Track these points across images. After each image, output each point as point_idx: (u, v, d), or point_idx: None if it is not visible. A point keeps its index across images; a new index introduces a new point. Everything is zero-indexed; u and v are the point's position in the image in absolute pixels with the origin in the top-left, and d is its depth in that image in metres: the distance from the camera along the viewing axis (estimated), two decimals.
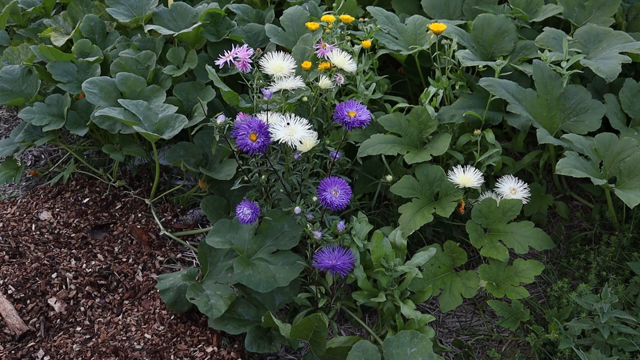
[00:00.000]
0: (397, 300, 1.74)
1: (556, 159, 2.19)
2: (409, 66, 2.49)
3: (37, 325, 1.98)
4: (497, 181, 2.03)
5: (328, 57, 2.03)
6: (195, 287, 1.93)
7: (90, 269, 2.20)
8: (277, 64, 1.93)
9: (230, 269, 1.99)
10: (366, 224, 1.82)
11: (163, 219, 2.45)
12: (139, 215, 2.47)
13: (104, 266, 2.22)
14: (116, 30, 2.79)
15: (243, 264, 1.87)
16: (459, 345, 1.94)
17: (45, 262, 2.20)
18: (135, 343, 1.92)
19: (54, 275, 2.15)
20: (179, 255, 2.31)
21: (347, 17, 2.23)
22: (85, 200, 2.57)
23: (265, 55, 1.96)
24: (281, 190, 1.95)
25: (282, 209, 1.99)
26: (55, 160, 2.87)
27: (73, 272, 2.17)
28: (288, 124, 1.77)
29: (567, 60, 2.08)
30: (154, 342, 1.93)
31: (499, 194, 2.01)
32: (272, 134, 1.75)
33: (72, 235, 2.37)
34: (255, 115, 1.87)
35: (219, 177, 2.25)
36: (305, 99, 2.01)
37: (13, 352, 1.88)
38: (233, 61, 1.96)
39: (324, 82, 1.99)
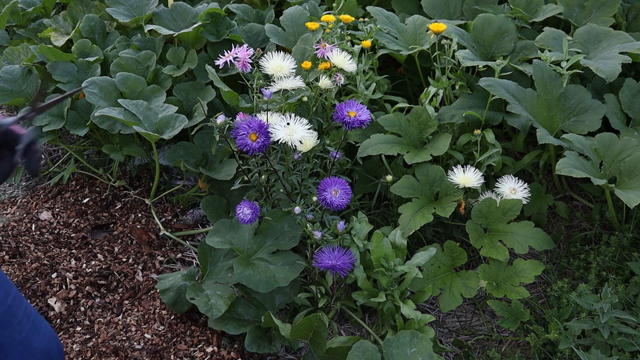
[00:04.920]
0: (397, 300, 1.74)
1: (556, 159, 2.19)
2: (409, 66, 2.49)
3: None
4: (497, 181, 2.03)
5: (328, 57, 2.03)
6: (195, 287, 1.93)
7: (90, 269, 2.20)
8: (277, 64, 1.93)
9: (230, 269, 1.99)
10: (366, 224, 1.82)
11: (163, 219, 2.45)
12: (139, 215, 2.47)
13: (104, 266, 2.22)
14: (116, 30, 2.79)
15: (243, 264, 1.87)
16: (459, 345, 1.94)
17: (45, 262, 2.20)
18: (135, 343, 1.92)
19: (54, 275, 2.15)
20: (179, 255, 2.31)
21: (347, 17, 2.23)
22: (85, 200, 2.57)
23: (265, 55, 1.96)
24: (281, 190, 1.95)
25: (282, 209, 1.99)
26: (55, 160, 2.87)
27: (73, 272, 2.17)
28: (288, 124, 1.77)
29: (567, 60, 2.08)
30: (154, 342, 1.93)
31: (499, 194, 2.01)
32: (272, 134, 1.75)
33: (72, 235, 2.37)
34: (255, 115, 1.87)
35: (219, 177, 2.25)
36: (305, 99, 2.01)
37: None
38: (233, 61, 1.96)
39: (324, 82, 1.99)
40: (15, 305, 1.11)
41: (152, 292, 2.13)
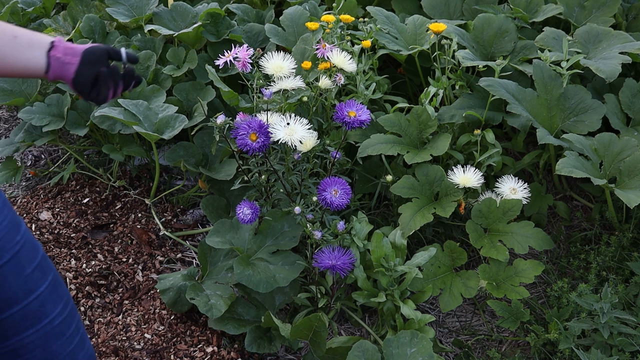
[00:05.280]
0: (397, 300, 1.74)
1: (556, 159, 2.19)
2: (409, 66, 2.49)
3: None
4: (497, 181, 2.03)
5: (328, 57, 2.03)
6: (195, 287, 1.93)
7: (90, 269, 2.20)
8: (277, 64, 1.93)
9: (230, 269, 1.99)
10: (366, 224, 1.82)
11: (163, 219, 2.45)
12: (139, 215, 2.47)
13: (104, 266, 2.22)
14: (116, 30, 2.79)
15: (243, 264, 1.87)
16: (459, 345, 1.94)
17: None
18: (135, 343, 1.92)
19: None
20: (179, 255, 2.31)
21: (347, 17, 2.23)
22: (85, 200, 2.57)
23: (265, 55, 1.96)
24: (281, 190, 1.95)
25: (282, 209, 1.99)
26: (55, 160, 2.87)
27: (73, 272, 2.17)
28: (288, 124, 1.77)
29: (567, 60, 2.08)
30: (154, 342, 1.93)
31: (499, 194, 2.01)
32: (272, 134, 1.75)
33: (72, 235, 2.37)
34: (255, 115, 1.87)
35: (219, 177, 2.25)
36: (305, 99, 2.01)
37: None
38: (233, 61, 1.96)
39: (324, 82, 1.99)
40: (70, 317, 1.13)
41: (152, 292, 2.13)
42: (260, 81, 1.92)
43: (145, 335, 1.95)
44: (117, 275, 2.20)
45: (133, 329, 1.98)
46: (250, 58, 1.94)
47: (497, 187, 2.02)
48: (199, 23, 2.47)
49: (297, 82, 1.91)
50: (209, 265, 2.05)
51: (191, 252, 2.33)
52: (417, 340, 1.56)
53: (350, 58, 2.03)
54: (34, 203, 2.56)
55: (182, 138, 2.50)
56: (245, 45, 1.96)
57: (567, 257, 2.16)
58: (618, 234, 2.04)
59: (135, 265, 2.24)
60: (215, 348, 1.90)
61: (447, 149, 2.01)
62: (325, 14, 2.29)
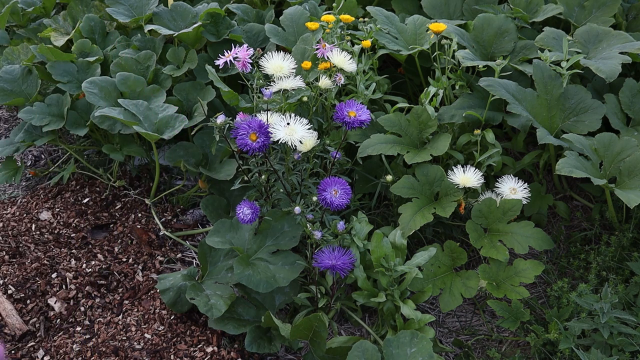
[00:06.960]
0: (397, 300, 1.74)
1: (556, 159, 2.19)
2: (409, 66, 2.49)
3: (37, 325, 1.98)
4: (497, 181, 2.03)
5: (328, 57, 2.03)
6: (195, 287, 1.93)
7: (90, 269, 2.20)
8: (277, 64, 1.93)
9: (230, 269, 1.99)
10: (366, 224, 1.82)
11: (163, 219, 2.45)
12: (139, 215, 2.47)
13: (104, 266, 2.22)
14: (116, 30, 2.79)
15: (243, 264, 1.87)
16: (459, 345, 1.94)
17: (45, 262, 2.20)
18: (135, 343, 1.92)
19: (54, 275, 2.15)
20: (179, 255, 2.31)
21: (347, 17, 2.23)
22: (85, 200, 2.57)
23: (265, 55, 1.96)
24: (281, 190, 1.95)
25: (282, 209, 1.99)
26: (55, 160, 2.87)
27: (73, 272, 2.17)
28: (288, 124, 1.77)
29: (567, 60, 2.08)
30: (154, 342, 1.93)
31: (499, 194, 2.01)
32: (272, 133, 1.75)
33: (72, 235, 2.37)
34: (255, 115, 1.87)
35: (219, 177, 2.25)
36: (305, 99, 2.01)
37: (13, 352, 1.88)
38: (233, 61, 1.96)
39: (324, 82, 1.99)
40: None
41: (152, 292, 2.13)
42: (260, 81, 1.92)
43: (145, 335, 1.95)
44: (117, 275, 2.20)
45: (133, 329, 1.98)
46: (250, 58, 1.94)
47: (497, 187, 2.02)
48: (199, 23, 2.47)
49: (297, 82, 1.91)
50: (209, 265, 2.05)
51: (191, 252, 2.33)
52: (417, 340, 1.56)
53: (350, 58, 2.03)
54: (34, 203, 2.56)
55: (182, 138, 2.50)
56: (245, 45, 1.96)
57: (567, 257, 2.16)
58: (618, 234, 2.04)
59: (135, 265, 2.24)
60: (215, 348, 1.90)
61: (447, 149, 2.01)
62: (325, 14, 2.29)
